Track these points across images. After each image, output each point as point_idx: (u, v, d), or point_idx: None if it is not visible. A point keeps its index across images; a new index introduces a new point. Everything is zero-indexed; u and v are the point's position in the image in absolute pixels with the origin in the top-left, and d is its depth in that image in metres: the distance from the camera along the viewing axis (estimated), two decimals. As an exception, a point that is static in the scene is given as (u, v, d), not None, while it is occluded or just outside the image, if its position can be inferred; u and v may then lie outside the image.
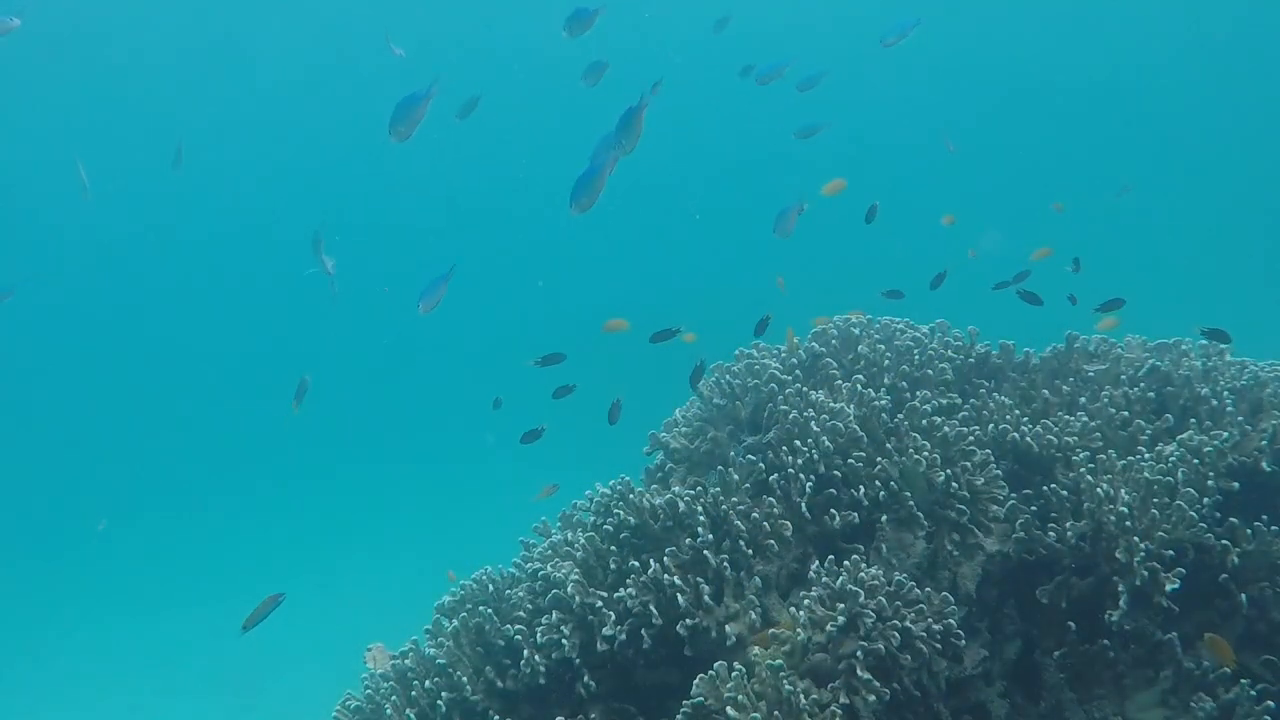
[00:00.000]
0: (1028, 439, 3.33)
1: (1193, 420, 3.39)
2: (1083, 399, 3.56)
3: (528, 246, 22.59)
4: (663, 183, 23.82)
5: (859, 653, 2.70)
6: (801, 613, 2.83)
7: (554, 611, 3.00)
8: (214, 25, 21.34)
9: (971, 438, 3.26)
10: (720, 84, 24.56)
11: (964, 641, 2.86)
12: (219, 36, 21.60)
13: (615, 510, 3.12)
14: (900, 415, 3.36)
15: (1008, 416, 3.43)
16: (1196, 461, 3.14)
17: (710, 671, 2.72)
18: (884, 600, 2.78)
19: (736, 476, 3.25)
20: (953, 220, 6.83)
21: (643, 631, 2.87)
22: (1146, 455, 3.21)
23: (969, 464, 3.20)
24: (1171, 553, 2.94)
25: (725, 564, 2.96)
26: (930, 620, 2.78)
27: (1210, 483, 3.08)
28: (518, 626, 3.06)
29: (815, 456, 3.16)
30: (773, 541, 3.05)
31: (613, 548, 3.07)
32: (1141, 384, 3.53)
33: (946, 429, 3.27)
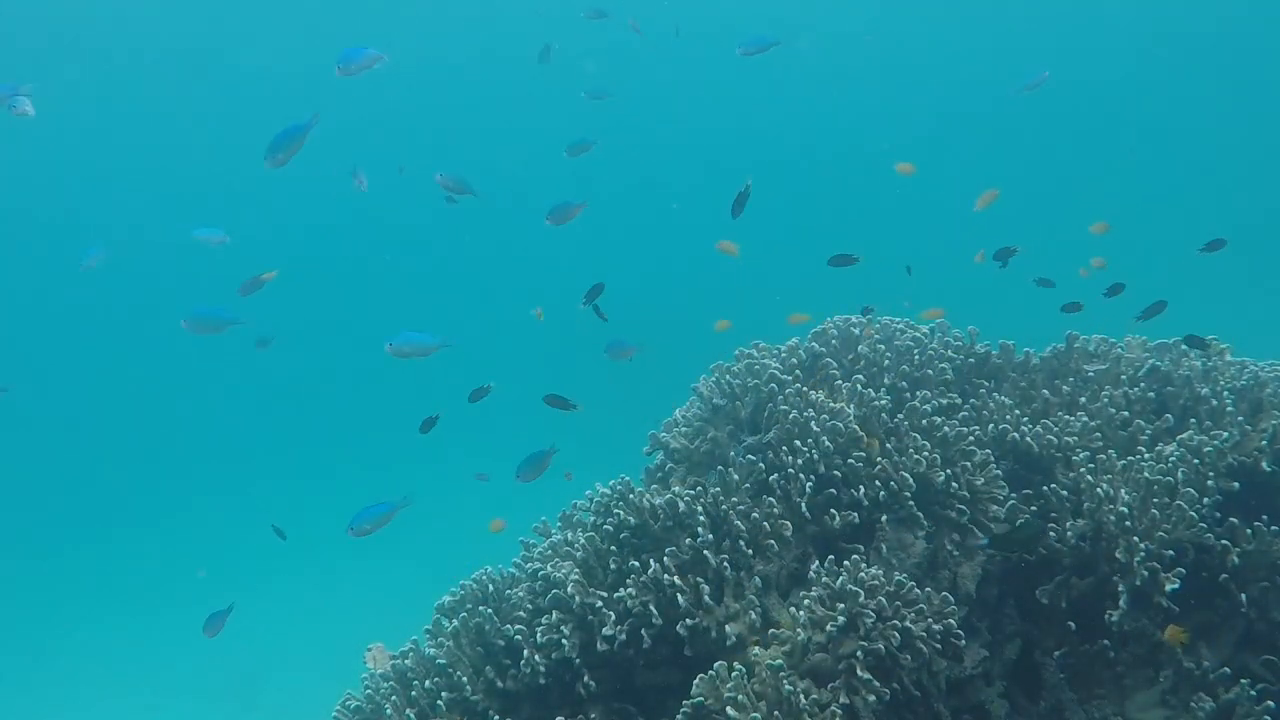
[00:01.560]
0: (1028, 439, 3.33)
1: (1193, 420, 3.39)
2: (1083, 399, 3.56)
3: (526, 246, 22.59)
4: (663, 182, 23.83)
5: (859, 653, 2.70)
6: (801, 613, 2.83)
7: (554, 611, 3.00)
8: (213, 25, 21.33)
9: (971, 438, 3.26)
10: (731, 83, 24.61)
11: (964, 641, 2.86)
12: (217, 36, 21.59)
13: (615, 510, 3.12)
14: (900, 415, 3.36)
15: (1008, 416, 3.43)
16: (1196, 461, 3.14)
17: (710, 671, 2.73)
18: (884, 600, 2.78)
19: (736, 476, 3.24)
20: (988, 199, 6.50)
21: (643, 631, 2.87)
22: (1146, 455, 3.21)
23: (969, 464, 3.20)
24: (1171, 553, 2.94)
25: (725, 564, 2.96)
26: (930, 620, 2.78)
27: (1210, 483, 3.08)
28: (518, 626, 3.06)
29: (815, 456, 3.16)
30: (773, 541, 3.05)
31: (613, 548, 3.07)
32: (1141, 384, 3.53)
33: (946, 429, 3.27)
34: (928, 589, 2.90)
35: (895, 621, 2.74)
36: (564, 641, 2.94)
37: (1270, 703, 2.82)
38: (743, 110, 24.84)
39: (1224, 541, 2.99)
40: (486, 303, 21.85)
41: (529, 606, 3.13)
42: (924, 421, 3.31)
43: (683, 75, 24.54)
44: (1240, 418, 3.30)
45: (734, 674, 2.70)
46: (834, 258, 4.90)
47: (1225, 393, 3.41)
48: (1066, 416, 3.46)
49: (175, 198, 23.58)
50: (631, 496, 3.14)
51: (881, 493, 3.10)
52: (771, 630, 2.89)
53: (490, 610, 3.17)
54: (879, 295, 4.61)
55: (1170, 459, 3.15)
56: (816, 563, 2.99)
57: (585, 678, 2.94)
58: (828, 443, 3.18)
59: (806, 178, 23.42)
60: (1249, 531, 3.03)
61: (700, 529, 2.99)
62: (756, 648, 2.85)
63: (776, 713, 2.63)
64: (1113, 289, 4.29)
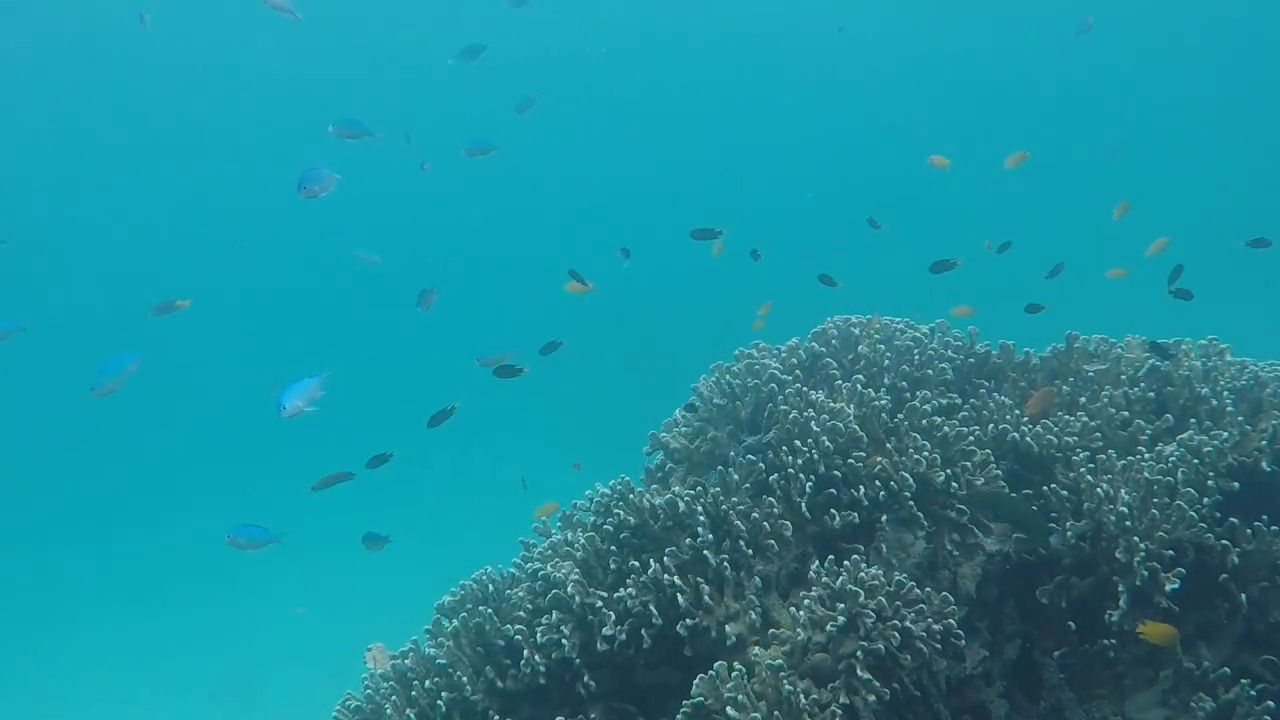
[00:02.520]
0: (1028, 439, 3.33)
1: (1193, 420, 3.39)
2: (1083, 399, 3.56)
3: (521, 246, 22.61)
4: (665, 183, 23.83)
5: (859, 653, 2.70)
6: (801, 613, 2.83)
7: (554, 611, 3.00)
8: (216, 24, 21.31)
9: (971, 438, 3.26)
10: (735, 84, 24.53)
11: (964, 641, 2.86)
12: (222, 35, 21.58)
13: (615, 510, 3.12)
14: (900, 415, 3.36)
15: (1008, 416, 3.43)
16: (1196, 461, 3.14)
17: (710, 671, 2.72)
18: (884, 600, 2.78)
19: (736, 476, 3.24)
20: (1018, 159, 6.29)
21: (643, 631, 2.87)
22: (1146, 455, 3.21)
23: (969, 464, 3.20)
24: (1171, 553, 2.94)
25: (725, 564, 2.96)
26: (930, 620, 2.78)
27: (1210, 483, 3.08)
28: (518, 626, 3.06)
29: (815, 456, 3.16)
30: (773, 541, 3.05)
31: (613, 548, 3.07)
32: (1141, 384, 3.53)
33: (946, 429, 3.27)
34: (928, 589, 2.90)
35: (895, 621, 2.74)
36: (564, 641, 2.94)
37: (1270, 703, 2.82)
38: (743, 111, 24.85)
39: (1224, 541, 2.99)
40: (487, 304, 21.85)
41: (529, 606, 3.13)
42: (924, 421, 3.31)
43: (688, 78, 24.56)
44: (1240, 418, 3.30)
45: (734, 674, 2.70)
46: (752, 251, 5.10)
47: (1225, 393, 3.41)
48: (1066, 416, 3.46)
49: (179, 198, 23.58)
50: (631, 496, 3.14)
51: (881, 493, 3.10)
52: (771, 630, 2.89)
53: (490, 610, 3.17)
54: (881, 295, 4.61)
55: (1170, 459, 3.15)
56: (816, 563, 2.99)
57: (585, 678, 2.94)
58: (828, 443, 3.18)
59: (807, 178, 23.45)
60: (1249, 531, 3.03)
61: (700, 529, 2.99)
62: (756, 648, 2.85)
63: (776, 713, 2.63)
64: (1178, 289, 4.30)
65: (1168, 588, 2.88)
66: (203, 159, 23.37)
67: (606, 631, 2.89)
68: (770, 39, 23.77)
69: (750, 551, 3.01)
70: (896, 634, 2.71)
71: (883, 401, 3.37)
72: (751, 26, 23.22)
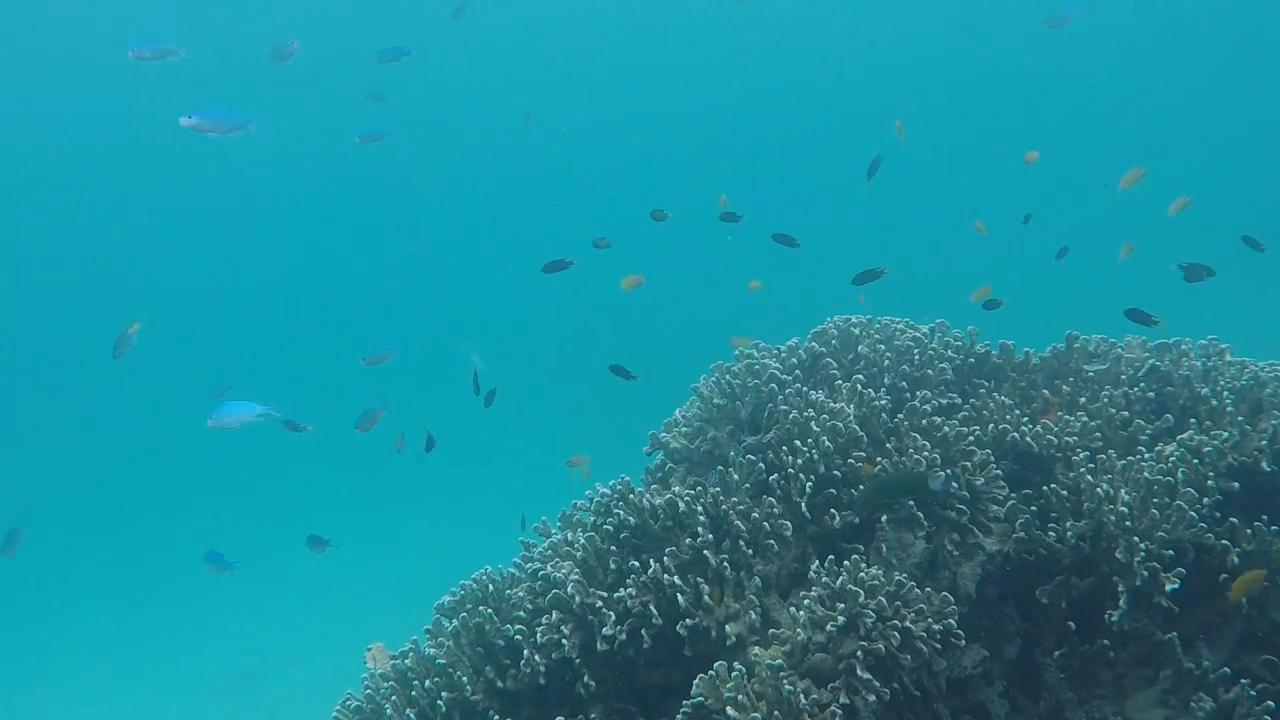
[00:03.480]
0: (1028, 439, 3.33)
1: (1193, 420, 3.39)
2: (1083, 399, 3.56)
3: (521, 247, 22.59)
4: (662, 184, 23.83)
5: (859, 653, 2.70)
6: (801, 613, 2.83)
7: (554, 611, 3.00)
8: (219, 27, 21.31)
9: (971, 438, 3.26)
10: (732, 86, 24.52)
11: (964, 641, 2.86)
12: (224, 38, 21.57)
13: (615, 510, 3.12)
14: (900, 415, 3.36)
15: (1008, 416, 3.43)
16: (1196, 461, 3.14)
17: (710, 671, 2.73)
18: (884, 600, 2.78)
19: (736, 476, 3.24)
20: (1032, 158, 6.25)
21: (643, 631, 2.87)
22: (1146, 455, 3.21)
23: (969, 464, 3.20)
24: (1171, 553, 2.94)
25: (725, 564, 2.96)
26: (930, 620, 2.78)
27: (1210, 483, 3.08)
28: (518, 626, 3.06)
29: (815, 456, 3.16)
30: (773, 541, 3.05)
31: (613, 548, 3.07)
32: (1141, 384, 3.53)
33: (946, 429, 3.27)
34: (928, 589, 2.90)
35: (895, 621, 2.74)
36: (564, 641, 2.94)
37: (1270, 703, 2.82)
38: (742, 111, 24.85)
39: (1224, 541, 2.99)
40: (480, 306, 21.86)
41: (529, 606, 3.13)
42: (924, 421, 3.31)
43: (690, 78, 24.55)
44: (1240, 418, 3.30)
45: (734, 674, 2.70)
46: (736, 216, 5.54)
47: (1225, 393, 3.41)
48: (1066, 416, 3.46)
49: (186, 198, 23.58)
50: (631, 496, 3.15)
51: (881, 493, 3.09)
52: (771, 630, 2.89)
53: (490, 610, 3.17)
54: (878, 295, 4.62)
55: (1170, 459, 3.15)
56: (816, 563, 2.99)
57: (585, 678, 2.94)
58: (828, 443, 3.18)
59: (805, 177, 23.44)
60: (1249, 531, 3.03)
61: (700, 529, 2.99)
62: (756, 648, 2.85)
63: (776, 713, 2.63)
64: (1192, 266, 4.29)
65: (1168, 588, 2.88)
66: (202, 159, 23.35)
67: (607, 631, 2.89)
68: (770, 37, 23.77)
69: (750, 551, 3.01)
70: (896, 634, 2.71)
71: (883, 401, 3.37)
72: (752, 26, 23.23)
